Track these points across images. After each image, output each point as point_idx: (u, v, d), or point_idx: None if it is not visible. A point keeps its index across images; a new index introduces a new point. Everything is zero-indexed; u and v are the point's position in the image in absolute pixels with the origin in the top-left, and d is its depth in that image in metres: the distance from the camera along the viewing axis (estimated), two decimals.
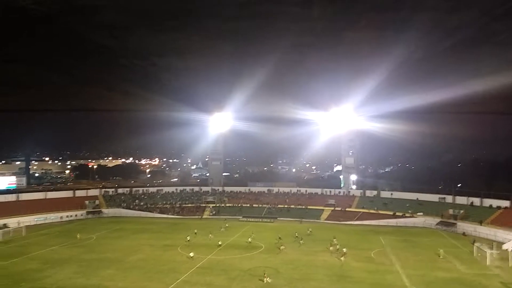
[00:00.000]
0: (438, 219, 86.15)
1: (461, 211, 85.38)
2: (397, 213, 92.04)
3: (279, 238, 68.48)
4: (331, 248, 63.35)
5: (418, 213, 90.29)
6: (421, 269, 52.25)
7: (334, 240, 67.52)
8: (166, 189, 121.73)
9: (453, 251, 63.25)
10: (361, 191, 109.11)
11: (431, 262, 56.28)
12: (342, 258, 55.76)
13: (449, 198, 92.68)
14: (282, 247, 63.02)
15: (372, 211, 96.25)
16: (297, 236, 71.43)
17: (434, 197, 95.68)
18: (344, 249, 60.16)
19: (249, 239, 68.62)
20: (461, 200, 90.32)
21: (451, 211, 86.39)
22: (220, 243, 66.14)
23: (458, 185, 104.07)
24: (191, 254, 58.10)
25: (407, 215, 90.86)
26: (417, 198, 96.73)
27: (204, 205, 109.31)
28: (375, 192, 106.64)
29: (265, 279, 46.21)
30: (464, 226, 79.66)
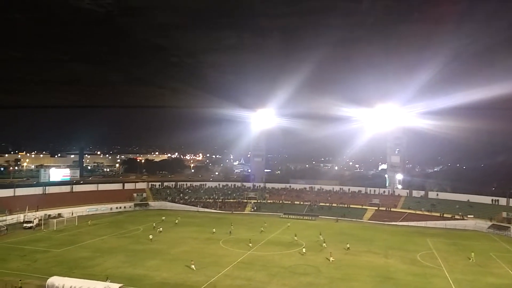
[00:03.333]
0: (490, 222, 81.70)
1: None
2: (446, 215, 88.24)
3: (250, 242, 64.40)
4: (324, 244, 63.22)
5: (469, 216, 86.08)
6: (471, 274, 49.79)
7: (320, 236, 67.71)
8: (209, 184, 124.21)
9: (506, 256, 59.80)
10: (407, 191, 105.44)
11: (481, 266, 53.50)
12: (331, 259, 54.68)
13: (502, 201, 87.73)
14: (250, 244, 62.81)
15: (418, 212, 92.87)
16: (296, 240, 68.26)
17: (486, 199, 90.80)
18: (324, 244, 62.66)
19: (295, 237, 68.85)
20: None
21: (504, 214, 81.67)
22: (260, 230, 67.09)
23: None
24: (150, 237, 65.59)
25: (456, 217, 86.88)
26: (468, 200, 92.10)
27: (245, 201, 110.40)
28: (422, 193, 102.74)
29: (191, 265, 49.31)
30: None
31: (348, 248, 61.65)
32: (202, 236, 69.99)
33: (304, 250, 59.80)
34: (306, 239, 68.52)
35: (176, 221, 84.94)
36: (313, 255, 57.93)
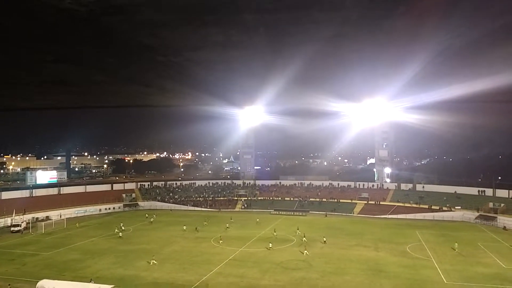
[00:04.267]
0: (477, 213, 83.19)
1: (502, 205, 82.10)
2: (434, 207, 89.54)
3: (220, 239, 65.14)
4: (304, 239, 64.01)
5: (456, 207, 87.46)
6: (460, 264, 50.66)
7: (298, 231, 69.18)
8: (199, 183, 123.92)
9: (494, 245, 60.96)
10: (396, 184, 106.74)
11: (470, 257, 54.45)
12: (305, 252, 55.88)
13: (489, 191, 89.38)
14: (220, 241, 63.75)
15: (407, 204, 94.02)
16: (275, 235, 68.73)
17: (473, 190, 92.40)
18: (305, 239, 63.38)
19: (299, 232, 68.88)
20: (502, 193, 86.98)
21: (491, 205, 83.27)
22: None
23: (499, 178, 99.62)
24: (120, 234, 68.77)
25: (444, 208, 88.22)
26: (455, 192, 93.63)
27: (236, 198, 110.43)
28: (410, 185, 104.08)
29: (152, 261, 50.98)
30: (505, 220, 76.51)
31: (325, 241, 62.50)
32: (193, 235, 69.78)
33: (270, 245, 60.10)
34: (293, 234, 68.80)
35: (151, 219, 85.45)
36: (303, 250, 58.19)
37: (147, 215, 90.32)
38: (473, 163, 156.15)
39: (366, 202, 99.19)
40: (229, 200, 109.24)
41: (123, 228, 74.67)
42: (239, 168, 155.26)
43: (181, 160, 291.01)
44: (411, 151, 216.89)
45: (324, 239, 63.54)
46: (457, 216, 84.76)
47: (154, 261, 51.25)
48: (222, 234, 68.21)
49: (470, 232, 71.87)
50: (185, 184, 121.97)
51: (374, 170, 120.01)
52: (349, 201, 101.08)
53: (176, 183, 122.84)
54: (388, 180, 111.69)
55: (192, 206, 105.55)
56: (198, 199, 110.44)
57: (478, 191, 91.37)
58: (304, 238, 64.24)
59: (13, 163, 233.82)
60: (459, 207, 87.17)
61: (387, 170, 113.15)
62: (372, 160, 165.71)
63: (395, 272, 47.63)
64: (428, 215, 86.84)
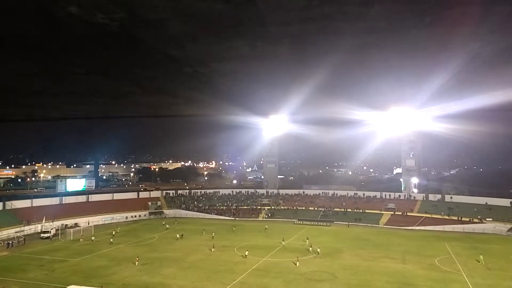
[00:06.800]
0: (509, 225, 79.96)
1: None
2: (464, 219, 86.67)
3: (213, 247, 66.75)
4: (310, 248, 63.67)
5: (488, 219, 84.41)
6: (491, 278, 48.74)
7: (307, 241, 68.80)
8: (222, 191, 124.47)
9: None
10: (424, 194, 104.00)
11: (502, 270, 52.33)
12: (297, 263, 55.03)
13: None
14: (213, 249, 64.32)
15: (435, 216, 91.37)
16: (283, 245, 68.50)
17: (505, 202, 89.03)
18: (311, 248, 63.38)
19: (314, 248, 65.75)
20: None
21: None
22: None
23: None
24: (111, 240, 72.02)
25: (475, 220, 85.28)
26: (486, 203, 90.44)
27: (259, 207, 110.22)
28: (439, 196, 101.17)
29: (136, 261, 55.63)
30: None
31: (318, 253, 61.40)
32: (217, 244, 69.93)
33: (246, 253, 60.19)
34: (319, 245, 67.83)
35: (167, 226, 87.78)
36: (328, 261, 57.47)
37: (163, 222, 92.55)
38: (505, 174, 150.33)
39: (392, 212, 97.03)
40: (253, 209, 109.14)
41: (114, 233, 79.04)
42: (262, 177, 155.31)
43: (205, 168, 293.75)
44: (439, 161, 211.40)
45: (318, 250, 62.40)
46: (489, 228, 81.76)
47: (136, 262, 55.47)
48: (214, 242, 69.11)
49: (502, 245, 69.16)
50: (209, 193, 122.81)
51: (401, 180, 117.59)
52: (375, 211, 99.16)
53: (200, 192, 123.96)
54: (415, 190, 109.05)
55: (216, 214, 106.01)
56: (221, 207, 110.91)
57: (510, 202, 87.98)
58: (310, 248, 64.00)
59: (44, 171, 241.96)
60: (491, 219, 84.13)
61: (414, 180, 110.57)
62: (399, 170, 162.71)
63: (423, 285, 46.27)
64: (458, 227, 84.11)
